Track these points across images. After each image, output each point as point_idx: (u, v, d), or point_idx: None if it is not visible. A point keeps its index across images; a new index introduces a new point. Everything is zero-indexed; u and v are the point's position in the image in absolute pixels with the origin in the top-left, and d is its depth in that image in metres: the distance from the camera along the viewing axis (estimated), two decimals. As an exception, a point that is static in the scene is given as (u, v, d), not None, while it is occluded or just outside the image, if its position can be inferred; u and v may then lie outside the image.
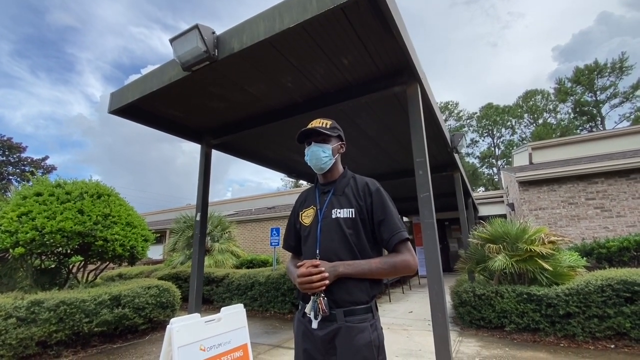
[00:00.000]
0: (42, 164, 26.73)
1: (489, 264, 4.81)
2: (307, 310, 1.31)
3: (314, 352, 1.31)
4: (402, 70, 2.71)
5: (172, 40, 2.42)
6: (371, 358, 1.26)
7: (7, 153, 25.96)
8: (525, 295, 4.39)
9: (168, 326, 1.91)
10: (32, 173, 6.27)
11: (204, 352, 1.99)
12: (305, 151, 1.50)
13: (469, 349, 3.99)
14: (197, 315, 2.10)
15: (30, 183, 5.98)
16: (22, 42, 71.67)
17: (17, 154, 26.31)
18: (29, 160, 26.44)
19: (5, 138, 25.64)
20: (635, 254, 5.86)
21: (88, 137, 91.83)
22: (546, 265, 4.48)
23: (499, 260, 4.67)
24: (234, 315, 2.30)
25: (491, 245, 4.96)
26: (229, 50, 2.31)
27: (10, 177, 25.53)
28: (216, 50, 2.36)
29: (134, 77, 3.07)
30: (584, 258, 5.65)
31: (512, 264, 4.61)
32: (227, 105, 3.39)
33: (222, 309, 2.27)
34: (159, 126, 3.59)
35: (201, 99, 3.23)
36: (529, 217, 7.43)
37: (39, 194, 5.33)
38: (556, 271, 4.62)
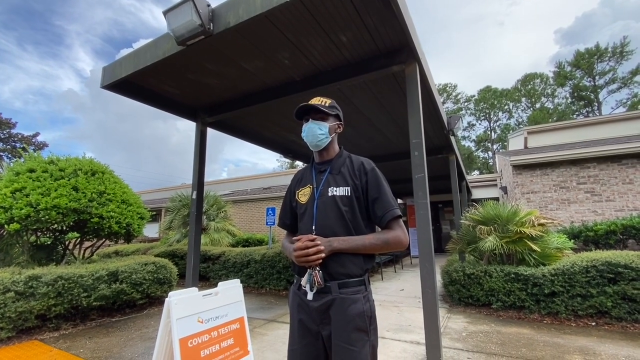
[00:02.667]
0: (33, 140, 26.28)
1: (480, 244, 4.94)
2: (302, 282, 1.37)
3: (308, 323, 1.39)
4: (401, 49, 2.67)
5: (165, 13, 2.34)
6: (363, 327, 1.33)
7: (-4, 129, 25.42)
8: (512, 275, 4.54)
9: (167, 299, 1.96)
10: (24, 149, 6.17)
11: (201, 324, 2.05)
12: (303, 127, 1.52)
13: (456, 325, 4.15)
14: (194, 289, 2.16)
15: (23, 159, 5.90)
16: (7, 13, 68.57)
17: (7, 130, 25.78)
18: (19, 137, 25.98)
19: (-6, 113, 25.00)
20: (621, 237, 6.04)
21: (79, 113, 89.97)
22: (534, 247, 4.61)
23: (490, 241, 4.79)
24: (231, 289, 2.36)
25: (482, 227, 5.07)
26: (224, 25, 2.25)
27: (1, 154, 25.11)
28: (211, 24, 2.30)
29: (125, 52, 2.99)
30: (572, 240, 5.82)
31: (502, 245, 4.74)
32: (223, 82, 3.33)
33: (219, 283, 2.32)
34: (153, 102, 3.53)
35: (196, 75, 3.16)
36: (521, 200, 7.56)
37: (32, 170, 5.28)
38: (544, 252, 4.76)
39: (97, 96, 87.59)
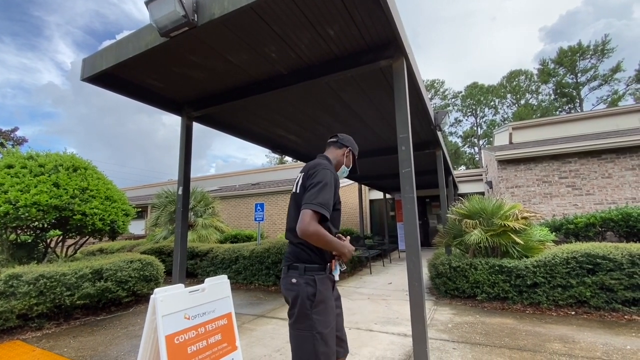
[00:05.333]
0: (12, 135, 25.29)
1: (466, 238, 5.04)
2: (340, 267, 1.73)
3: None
4: (389, 44, 2.67)
5: (147, 3, 2.27)
6: None
7: (-29, 123, 24.34)
8: (497, 267, 4.65)
9: (152, 296, 1.93)
10: (2, 145, 5.95)
11: (188, 321, 2.03)
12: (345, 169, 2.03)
13: (442, 317, 4.24)
14: (181, 285, 2.13)
15: (0, 155, 5.69)
16: (-19, 2, 65.26)
17: (-17, 125, 24.72)
18: (-4, 132, 24.95)
19: (-32, 107, 23.95)
20: (600, 229, 6.25)
21: (60, 107, 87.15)
22: (518, 240, 4.73)
23: (475, 235, 4.89)
24: (218, 285, 2.34)
25: (468, 221, 5.17)
26: (209, 16, 2.19)
27: (-23, 149, 24.12)
28: (195, 16, 2.24)
29: (108, 44, 2.91)
30: (554, 233, 6.00)
31: (487, 238, 4.85)
32: (208, 76, 3.26)
33: (206, 279, 2.30)
34: (137, 96, 3.44)
35: (181, 68, 3.09)
36: (505, 194, 7.73)
37: (10, 166, 5.10)
38: (527, 245, 4.89)
39: (79, 90, 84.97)
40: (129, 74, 3.15)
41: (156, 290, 1.94)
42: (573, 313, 4.25)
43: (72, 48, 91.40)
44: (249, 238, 10.49)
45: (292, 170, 18.10)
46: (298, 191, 1.71)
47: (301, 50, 2.84)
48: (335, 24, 2.49)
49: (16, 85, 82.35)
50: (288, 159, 40.66)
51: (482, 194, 11.00)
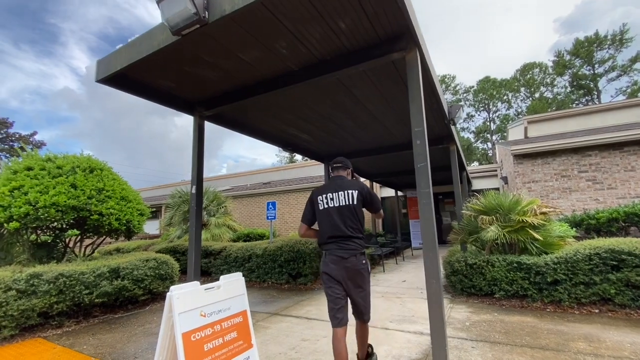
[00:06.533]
0: (31, 139, 26.15)
1: (482, 234, 4.92)
2: None
3: None
4: (402, 35, 2.61)
5: (159, 2, 2.27)
6: None
7: (-7, 128, 25.27)
8: (515, 264, 4.53)
9: (168, 293, 1.94)
10: (22, 148, 6.12)
11: (204, 318, 2.03)
12: None
13: (459, 315, 4.15)
14: (196, 283, 2.13)
15: (20, 158, 5.85)
16: (2, 12, 67.51)
17: (4, 130, 25.64)
18: (17, 136, 25.85)
19: (-10, 113, 24.83)
20: (623, 224, 6.02)
21: (76, 111, 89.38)
22: (537, 236, 4.59)
23: (492, 231, 4.77)
24: (233, 283, 2.34)
25: (484, 217, 5.04)
26: (220, 12, 2.18)
27: (-1, 153, 25.01)
28: (206, 12, 2.23)
29: (121, 45, 2.93)
30: (574, 229, 5.81)
31: (504, 234, 4.72)
32: (220, 74, 3.26)
33: (221, 277, 2.30)
34: (149, 96, 3.47)
35: (192, 67, 3.10)
36: (522, 189, 7.53)
37: (29, 168, 5.24)
38: (546, 241, 4.75)
39: (94, 93, 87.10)
40: (142, 74, 3.17)
41: (172, 287, 1.94)
42: (597, 311, 4.10)
43: (87, 53, 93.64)
44: (261, 236, 10.55)
45: (302, 169, 18.11)
46: (355, 203, 2.41)
47: (312, 45, 2.80)
48: (346, 16, 2.44)
49: (34, 91, 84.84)
50: (298, 157, 40.78)
51: (497, 189, 10.77)
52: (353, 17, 2.46)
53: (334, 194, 2.45)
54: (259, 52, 2.89)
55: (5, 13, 68.02)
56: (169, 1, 2.23)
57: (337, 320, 2.29)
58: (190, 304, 1.98)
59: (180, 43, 2.52)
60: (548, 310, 4.25)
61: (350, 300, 2.42)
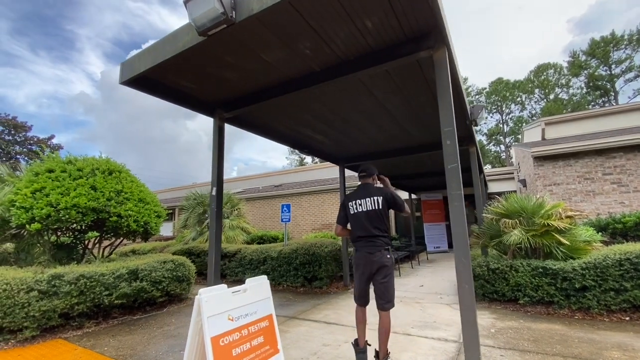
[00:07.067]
0: (49, 143, 26.79)
1: (504, 238, 4.78)
2: None
3: None
4: (429, 33, 2.55)
5: (186, 2, 2.26)
6: None
7: (12, 132, 26.00)
8: (540, 269, 4.38)
9: (197, 296, 1.90)
10: (42, 150, 6.24)
11: (232, 322, 1.99)
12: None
13: (483, 321, 4.03)
14: (224, 286, 2.10)
15: (41, 160, 5.96)
16: (20, 19, 69.78)
17: (23, 133, 26.35)
18: (35, 140, 26.51)
19: (10, 117, 25.59)
20: (652, 229, 5.79)
21: (91, 115, 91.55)
22: (563, 240, 4.44)
23: (515, 235, 4.63)
24: (259, 286, 2.30)
25: (507, 220, 4.91)
26: (247, 12, 2.16)
27: (18, 156, 25.70)
28: (234, 12, 2.21)
29: (145, 47, 2.94)
30: (599, 233, 5.60)
31: (527, 238, 4.58)
32: (242, 76, 3.25)
33: (247, 280, 2.26)
34: (171, 98, 3.48)
35: (215, 69, 3.09)
36: (542, 192, 7.33)
37: (51, 171, 5.33)
38: (573, 246, 4.58)
39: (108, 98, 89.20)
40: (165, 76, 3.18)
41: (201, 290, 1.91)
42: (627, 319, 3.93)
43: (102, 59, 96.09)
44: (274, 239, 10.53)
45: (313, 171, 18.09)
46: (381, 207, 2.80)
47: (336, 45, 2.76)
48: (374, 15, 2.40)
49: (51, 96, 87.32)
50: (308, 160, 40.80)
51: (514, 192, 10.51)
52: (380, 16, 2.41)
53: (362, 200, 2.88)
54: (282, 53, 2.87)
55: (23, 20, 70.30)
56: (196, 1, 2.22)
57: (361, 301, 2.86)
58: (218, 308, 1.94)
59: (205, 44, 2.51)
60: (576, 317, 4.09)
61: (374, 287, 2.77)
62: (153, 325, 4.41)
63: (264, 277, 2.37)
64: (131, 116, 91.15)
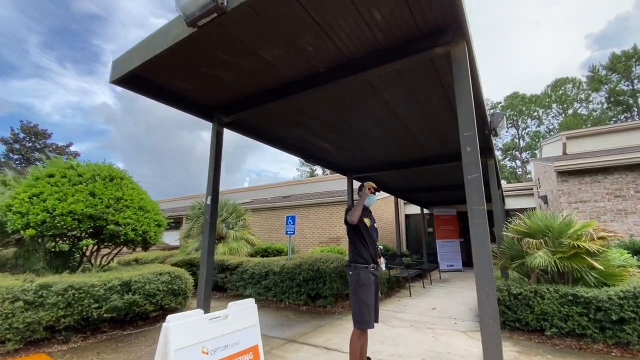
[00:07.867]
0: (67, 150, 27.48)
1: (528, 260, 4.32)
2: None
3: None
4: (447, 27, 2.26)
5: (174, -11, 2.05)
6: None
7: (33, 139, 26.83)
8: (570, 297, 3.89)
9: (164, 324, 1.60)
10: (47, 156, 6.16)
11: (206, 356, 1.67)
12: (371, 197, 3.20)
13: (505, 355, 3.55)
14: (199, 311, 1.78)
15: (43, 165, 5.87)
16: (49, 34, 73.72)
17: (43, 140, 27.15)
18: (53, 147, 27.24)
19: (31, 125, 26.46)
20: (694, 253, 5.20)
21: (111, 124, 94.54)
22: (596, 264, 3.96)
23: (540, 257, 4.17)
24: (244, 311, 1.98)
25: (530, 240, 4.45)
26: (239, -1, 1.92)
27: (37, 162, 26.41)
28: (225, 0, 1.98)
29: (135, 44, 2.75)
30: (635, 257, 5.06)
31: (554, 261, 4.11)
32: (238, 76, 3.02)
33: (230, 304, 1.94)
34: (166, 100, 3.28)
35: (210, 68, 2.87)
36: (567, 210, 6.79)
37: (51, 175, 5.20)
38: (607, 271, 4.09)
39: (128, 108, 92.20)
40: (157, 75, 2.98)
41: (169, 317, 1.60)
42: (675, 358, 3.40)
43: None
44: (279, 252, 10.19)
45: (324, 183, 17.78)
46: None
47: (341, 40, 2.50)
48: (383, 5, 2.13)
49: (75, 106, 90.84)
50: (319, 172, 40.58)
51: (533, 209, 9.92)
52: (391, 6, 2.14)
53: None
54: (281, 50, 2.62)
55: (52, 34, 74.08)
56: (185, -12, 2.00)
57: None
58: (190, 339, 1.62)
59: (197, 38, 2.29)
60: (613, 354, 3.58)
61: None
62: (142, 343, 4.11)
63: (251, 300, 2.05)
64: (149, 126, 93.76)
